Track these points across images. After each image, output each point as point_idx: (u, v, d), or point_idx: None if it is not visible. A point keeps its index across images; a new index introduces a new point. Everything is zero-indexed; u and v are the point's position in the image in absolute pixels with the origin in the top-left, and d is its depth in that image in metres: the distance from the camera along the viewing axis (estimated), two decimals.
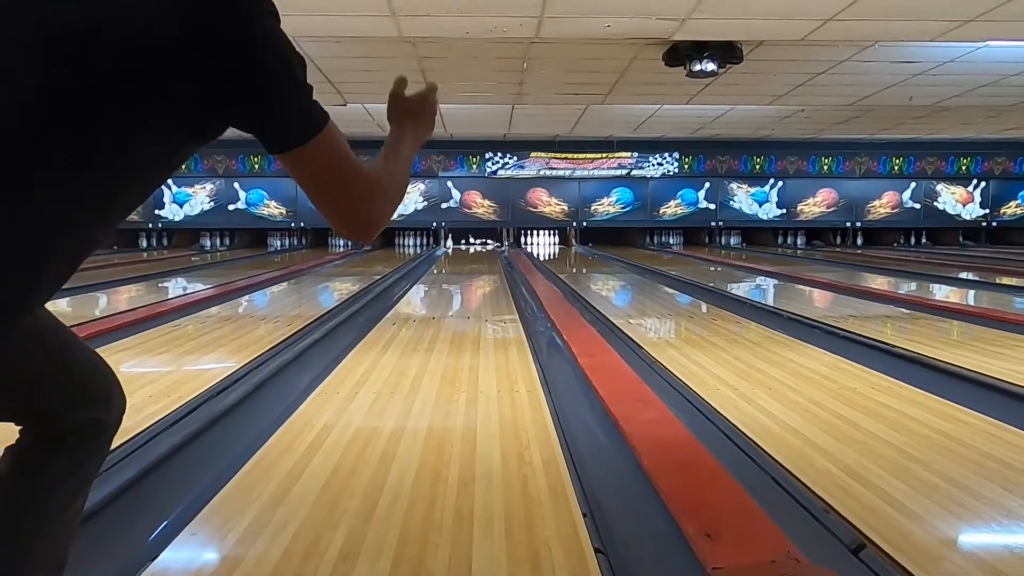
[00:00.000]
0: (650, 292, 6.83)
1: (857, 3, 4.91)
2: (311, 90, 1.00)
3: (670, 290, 6.87)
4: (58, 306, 5.44)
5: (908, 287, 7.37)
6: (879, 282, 7.73)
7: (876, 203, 14.31)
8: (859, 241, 14.51)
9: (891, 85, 8.01)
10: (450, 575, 1.48)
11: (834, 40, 5.82)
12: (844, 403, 2.75)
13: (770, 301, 5.77)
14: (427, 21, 5.18)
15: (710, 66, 6.09)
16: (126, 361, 3.40)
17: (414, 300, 6.39)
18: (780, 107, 9.56)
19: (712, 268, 9.83)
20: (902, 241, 14.63)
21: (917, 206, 14.35)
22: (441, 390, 2.93)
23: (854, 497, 1.86)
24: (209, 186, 13.76)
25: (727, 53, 6.05)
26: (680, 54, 6.10)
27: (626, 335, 4.17)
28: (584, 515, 1.74)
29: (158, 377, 3.09)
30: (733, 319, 4.89)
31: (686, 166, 14.08)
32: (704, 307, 5.67)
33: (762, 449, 2.24)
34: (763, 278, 8.25)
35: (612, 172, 14.04)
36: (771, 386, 3.00)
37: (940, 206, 14.38)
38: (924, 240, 14.67)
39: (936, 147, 13.78)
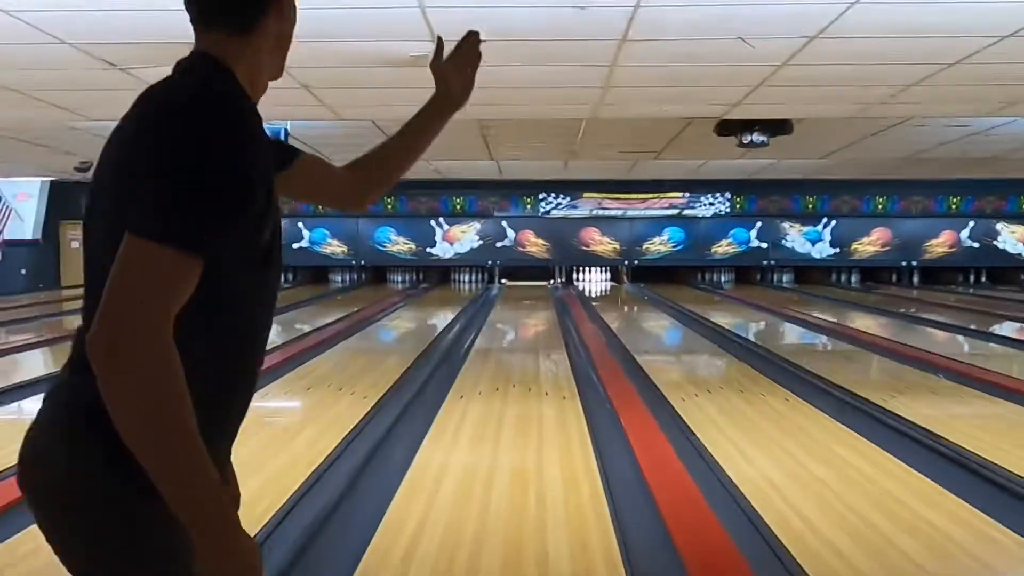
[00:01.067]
0: (699, 351, 7.03)
1: (905, 91, 5.10)
2: (177, 200, 0.92)
3: (720, 355, 7.07)
4: None
5: (964, 346, 7.39)
6: (932, 339, 7.77)
7: (933, 242, 14.19)
8: (915, 280, 14.40)
9: (946, 142, 8.10)
10: None
11: (882, 116, 6.00)
12: (884, 514, 2.95)
13: (819, 369, 5.92)
14: (494, 109, 5.55)
15: (760, 138, 6.34)
16: None
17: (476, 368, 6.65)
18: (830, 160, 9.69)
19: (762, 320, 9.94)
20: (961, 280, 14.46)
21: (976, 245, 14.18)
22: (513, 492, 3.23)
23: None
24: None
25: (777, 126, 6.29)
26: (731, 127, 6.36)
27: (678, 415, 4.43)
28: None
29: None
30: (781, 395, 5.08)
31: (738, 206, 14.21)
32: (753, 375, 5.86)
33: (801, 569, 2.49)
34: (813, 334, 8.36)
35: (663, 212, 14.25)
36: (817, 489, 3.21)
37: (1000, 245, 14.18)
38: (984, 279, 14.47)
39: (995, 186, 13.63)
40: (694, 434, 4.07)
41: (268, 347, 1.24)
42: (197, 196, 0.93)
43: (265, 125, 1.09)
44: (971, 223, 14.09)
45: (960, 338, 8.04)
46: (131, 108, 1.04)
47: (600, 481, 3.30)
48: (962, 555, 2.65)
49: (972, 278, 14.52)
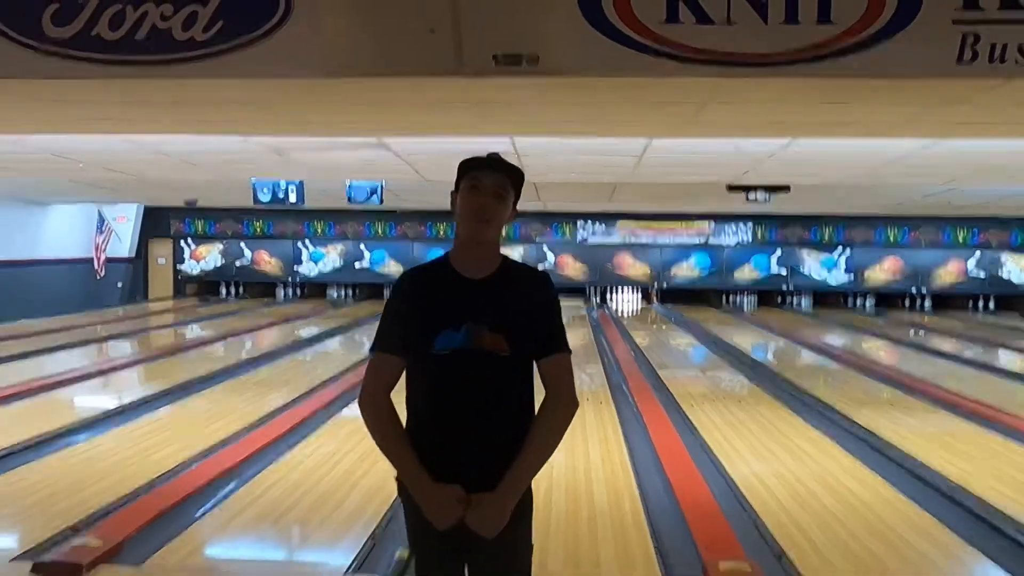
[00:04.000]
0: (721, 376, 8.41)
1: (885, 167, 6.46)
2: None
3: (725, 369, 8.43)
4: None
5: (974, 385, 7.73)
6: (940, 371, 8.62)
7: (942, 271, 15.32)
8: (927, 306, 15.51)
9: (929, 195, 9.39)
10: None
11: (855, 185, 7.36)
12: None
13: (806, 385, 7.25)
14: (546, 176, 7.04)
15: (763, 196, 7.74)
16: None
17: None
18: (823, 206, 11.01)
19: (781, 343, 11.17)
20: (970, 306, 15.52)
21: (982, 275, 15.27)
22: (566, 461, 4.65)
23: None
24: (340, 247, 16.07)
25: (778, 188, 7.68)
26: (738, 187, 7.77)
27: (688, 418, 5.82)
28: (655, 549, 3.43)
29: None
30: (770, 404, 6.45)
31: (759, 235, 15.50)
32: (752, 389, 7.21)
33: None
34: (827, 360, 9.41)
35: (691, 240, 15.60)
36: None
37: (1005, 275, 15.25)
38: (992, 306, 15.50)
39: (999, 221, 14.73)
40: (700, 434, 5.47)
41: None
42: None
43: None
44: (977, 253, 15.20)
45: (939, 360, 9.28)
46: (524, 276, 1.91)
47: (628, 462, 4.73)
48: (875, 521, 4.00)
49: (981, 303, 15.58)
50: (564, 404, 1.87)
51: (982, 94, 2.85)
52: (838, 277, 15.53)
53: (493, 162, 1.85)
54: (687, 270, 15.76)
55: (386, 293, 17.24)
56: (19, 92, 3.01)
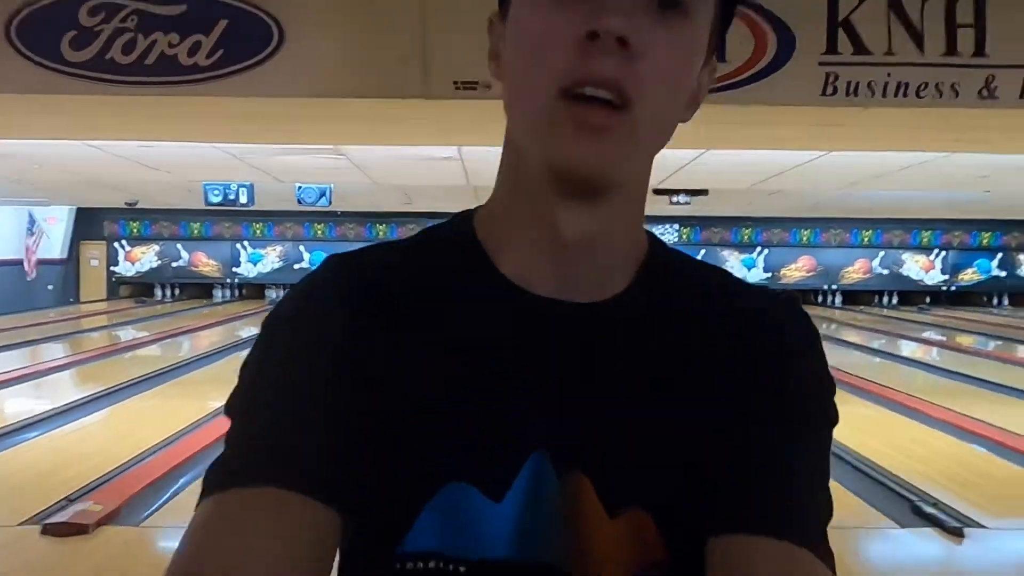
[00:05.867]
0: None
1: (783, 173, 7.25)
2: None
3: None
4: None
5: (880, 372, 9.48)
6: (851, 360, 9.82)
7: (850, 269, 16.55)
8: (837, 301, 16.73)
9: (827, 198, 10.35)
10: None
11: (767, 190, 8.17)
12: None
13: None
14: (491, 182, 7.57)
15: (684, 199, 8.48)
16: None
17: None
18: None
19: None
20: (876, 300, 16.83)
21: (885, 272, 16.57)
22: None
23: None
24: (279, 248, 16.23)
25: (698, 191, 8.44)
26: (664, 190, 8.48)
27: None
28: None
29: None
30: None
31: (684, 236, 16.42)
32: None
33: None
34: None
35: None
36: None
37: (905, 272, 16.60)
38: (894, 301, 16.84)
39: (901, 222, 16.04)
40: None
41: None
42: None
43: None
44: (881, 253, 16.49)
45: (851, 351, 10.24)
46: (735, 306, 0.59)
47: None
48: None
49: (885, 299, 16.90)
50: None
51: (848, 118, 3.53)
52: (757, 276, 16.58)
53: None
54: None
55: None
56: (39, 103, 3.38)
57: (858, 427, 5.85)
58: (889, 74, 3.01)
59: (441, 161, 5.85)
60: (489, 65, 0.57)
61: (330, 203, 8.13)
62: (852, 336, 11.68)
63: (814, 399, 0.56)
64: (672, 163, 6.44)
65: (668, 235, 16.39)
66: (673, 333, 0.56)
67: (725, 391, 0.54)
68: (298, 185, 8.02)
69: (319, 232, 16.11)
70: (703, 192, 8.41)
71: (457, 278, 0.57)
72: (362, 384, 0.52)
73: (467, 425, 0.52)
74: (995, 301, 16.69)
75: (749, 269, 16.56)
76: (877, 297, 16.86)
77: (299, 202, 8.19)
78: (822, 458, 0.55)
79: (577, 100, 0.48)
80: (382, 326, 0.54)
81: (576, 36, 0.47)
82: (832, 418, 0.57)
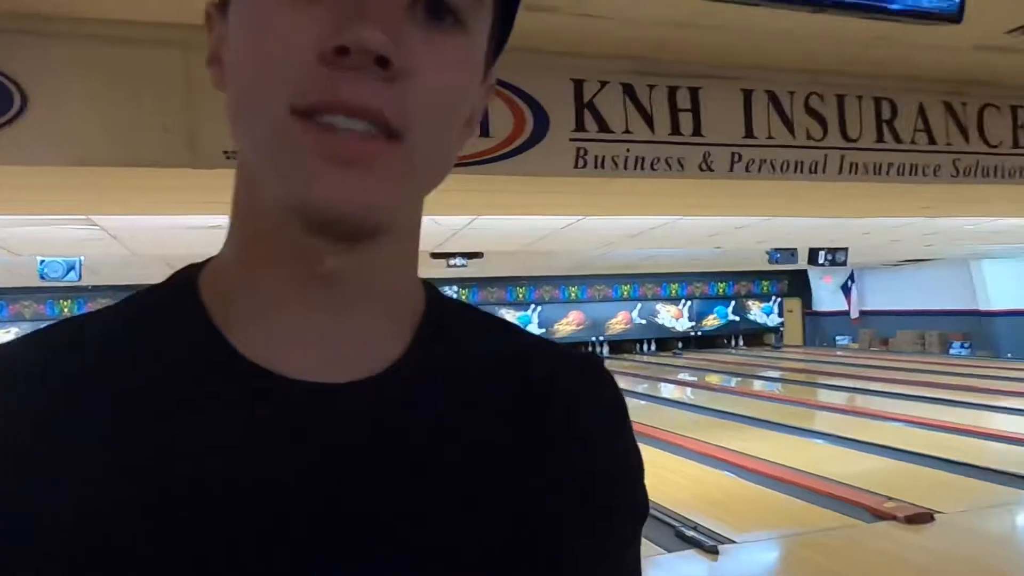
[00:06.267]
0: None
1: (550, 236, 7.82)
2: None
3: None
4: None
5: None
6: None
7: (613, 320, 18.01)
8: (605, 351, 18.06)
9: (578, 258, 11.33)
10: None
11: (546, 251, 8.78)
12: None
13: None
14: None
15: (461, 262, 8.82)
16: None
17: None
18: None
19: None
20: (637, 348, 18.40)
21: (644, 321, 18.24)
22: None
23: None
24: (15, 330, 14.29)
25: (473, 254, 8.82)
26: (441, 254, 8.76)
27: None
28: None
29: None
30: None
31: (463, 297, 16.92)
32: None
33: None
34: None
35: None
36: None
37: (660, 321, 18.39)
38: (653, 347, 18.55)
39: (654, 276, 17.83)
40: None
41: None
42: None
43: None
44: (639, 304, 18.16)
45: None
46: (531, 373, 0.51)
47: None
48: None
49: (644, 347, 18.54)
50: None
51: (599, 187, 3.96)
52: (533, 331, 17.41)
53: None
54: None
55: None
56: None
57: None
58: (628, 150, 3.45)
59: (208, 231, 5.60)
60: (210, 72, 0.45)
61: (80, 277, 7.38)
62: (621, 383, 12.62)
63: (622, 488, 0.50)
64: (448, 228, 6.72)
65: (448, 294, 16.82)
66: (462, 418, 0.45)
67: (524, 494, 0.44)
68: (40, 259, 7.20)
69: (66, 310, 14.47)
70: (478, 255, 8.80)
71: (167, 366, 0.42)
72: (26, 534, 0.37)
73: (225, 535, 0.38)
74: (732, 343, 18.99)
75: (526, 326, 17.38)
76: (638, 345, 18.46)
77: (42, 277, 7.35)
78: (636, 567, 0.50)
79: (323, 126, 0.38)
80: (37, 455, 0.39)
81: (319, 43, 0.37)
82: (643, 508, 0.51)
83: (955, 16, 1.99)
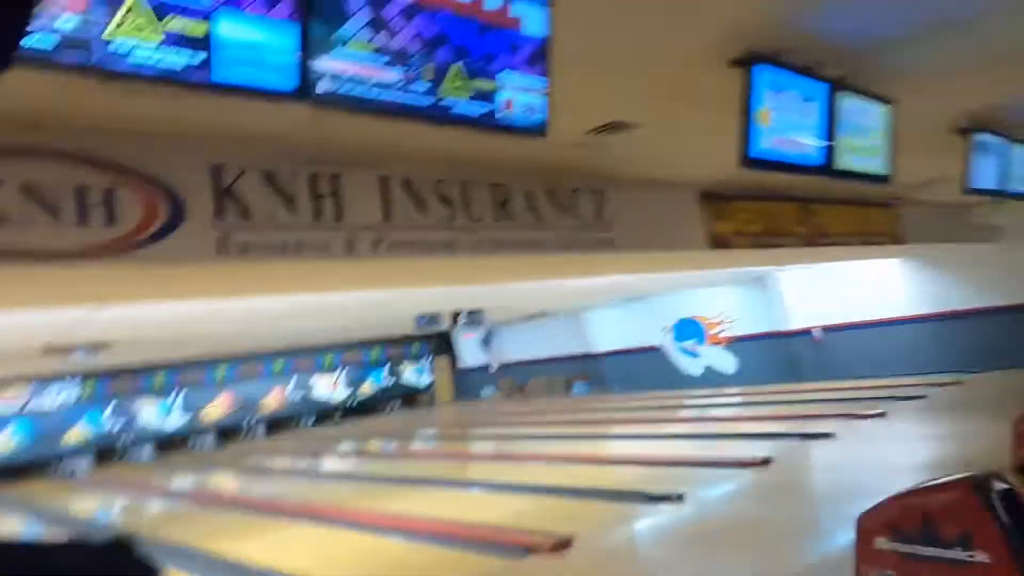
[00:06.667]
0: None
1: (192, 320, 7.31)
2: None
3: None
4: None
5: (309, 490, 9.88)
6: (278, 486, 10.01)
7: (267, 399, 17.27)
8: (261, 432, 17.12)
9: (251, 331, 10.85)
10: None
11: (185, 337, 8.16)
12: None
13: (186, 539, 7.49)
14: None
15: (83, 354, 7.79)
16: None
17: None
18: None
19: (126, 499, 10.94)
20: (298, 424, 17.78)
21: (300, 396, 17.80)
22: None
23: None
24: None
25: (101, 346, 7.86)
26: (57, 348, 7.66)
27: None
28: None
29: None
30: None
31: (88, 391, 14.85)
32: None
33: None
34: (175, 503, 9.82)
35: (6, 408, 13.91)
36: None
37: (316, 396, 18.12)
38: (312, 421, 18.09)
39: (306, 351, 17.55)
40: None
41: None
42: None
43: None
44: (293, 378, 17.69)
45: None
46: None
47: None
48: None
49: (304, 423, 18.00)
50: None
51: (243, 271, 3.90)
52: (176, 421, 15.94)
53: None
54: (5, 442, 13.91)
55: None
56: None
57: (287, 548, 6.15)
58: (271, 234, 3.48)
59: None
60: None
61: None
62: (282, 463, 12.15)
63: None
64: (63, 320, 5.94)
65: (68, 391, 14.59)
66: None
67: None
68: None
69: None
70: (106, 345, 7.88)
71: None
72: None
73: None
74: (388, 408, 19.43)
75: (167, 415, 15.83)
76: (295, 421, 17.89)
77: None
78: None
79: None
80: None
81: None
82: None
83: (541, 130, 2.46)
